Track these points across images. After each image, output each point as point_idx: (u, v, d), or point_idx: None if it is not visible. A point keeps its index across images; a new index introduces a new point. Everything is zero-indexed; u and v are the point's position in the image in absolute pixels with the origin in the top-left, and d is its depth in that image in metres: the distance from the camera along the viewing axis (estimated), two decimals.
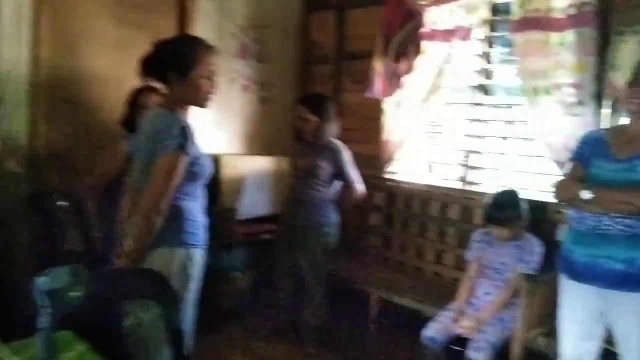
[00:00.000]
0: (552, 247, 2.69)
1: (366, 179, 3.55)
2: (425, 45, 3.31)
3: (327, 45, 4.09)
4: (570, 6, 2.75)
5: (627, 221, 1.84)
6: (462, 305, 2.56)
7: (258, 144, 4.00)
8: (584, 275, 1.97)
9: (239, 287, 3.44)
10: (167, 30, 3.24)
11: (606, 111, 2.72)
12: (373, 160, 3.65)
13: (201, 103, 1.96)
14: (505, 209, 2.50)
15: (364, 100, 3.78)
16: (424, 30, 3.29)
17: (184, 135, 1.79)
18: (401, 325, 3.06)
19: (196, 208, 1.95)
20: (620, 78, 2.71)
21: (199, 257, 1.94)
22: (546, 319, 2.54)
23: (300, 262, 3.04)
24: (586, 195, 1.88)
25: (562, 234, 2.77)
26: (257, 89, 4.02)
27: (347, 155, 3.03)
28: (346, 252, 3.51)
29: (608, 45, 2.68)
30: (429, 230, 3.44)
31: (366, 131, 3.77)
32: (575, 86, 2.77)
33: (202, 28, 3.56)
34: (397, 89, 3.39)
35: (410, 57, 3.23)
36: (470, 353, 2.36)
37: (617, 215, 1.85)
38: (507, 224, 2.49)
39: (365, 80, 3.81)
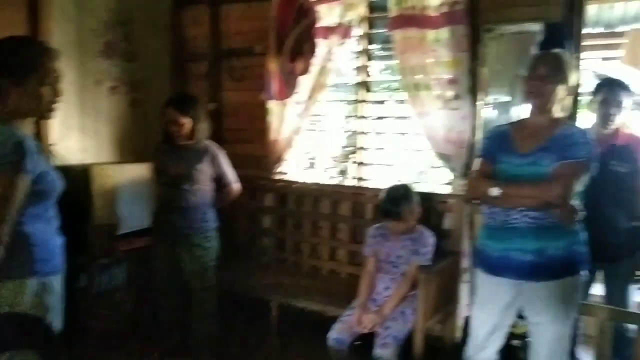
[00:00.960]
0: (440, 236, 2.82)
1: (255, 180, 3.45)
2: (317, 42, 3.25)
3: (202, 41, 3.87)
4: (443, 4, 2.87)
5: (534, 213, 1.92)
6: (364, 302, 2.56)
7: (131, 149, 3.66)
8: (497, 268, 2.03)
9: (121, 308, 3.12)
10: (15, 26, 2.82)
11: (480, 104, 2.89)
12: (261, 160, 3.55)
13: (42, 114, 1.73)
14: (399, 202, 2.54)
15: (246, 99, 3.66)
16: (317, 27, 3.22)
17: (20, 151, 1.55)
18: (304, 328, 2.99)
19: (47, 230, 1.70)
20: (490, 73, 2.92)
21: (55, 284, 1.71)
22: (441, 306, 2.65)
23: (185, 273, 2.87)
24: (494, 192, 1.93)
25: (448, 223, 2.93)
26: (127, 90, 3.68)
27: (223, 156, 2.96)
28: (239, 258, 3.37)
29: (478, 42, 2.85)
30: (322, 228, 3.42)
31: (251, 131, 3.65)
32: (452, 81, 2.90)
33: (59, 24, 3.16)
34: (294, 90, 3.28)
35: (306, 56, 3.14)
36: (377, 349, 2.37)
37: (525, 208, 1.92)
38: (401, 217, 2.53)
39: (245, 78, 3.69)
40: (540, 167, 1.92)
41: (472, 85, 2.88)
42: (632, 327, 2.67)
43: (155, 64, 3.84)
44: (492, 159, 2.07)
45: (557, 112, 2.02)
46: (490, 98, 2.95)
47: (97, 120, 3.45)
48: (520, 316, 2.14)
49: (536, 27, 2.76)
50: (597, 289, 2.98)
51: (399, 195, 2.58)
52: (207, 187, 2.89)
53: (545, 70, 1.97)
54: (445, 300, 2.70)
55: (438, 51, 2.91)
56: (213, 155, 2.89)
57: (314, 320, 2.79)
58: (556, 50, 2.14)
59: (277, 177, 3.61)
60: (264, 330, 3.08)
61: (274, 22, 3.24)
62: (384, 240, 2.67)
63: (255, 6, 3.53)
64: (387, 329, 2.43)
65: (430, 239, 2.59)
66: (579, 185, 1.93)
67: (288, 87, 3.18)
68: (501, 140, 2.08)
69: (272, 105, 3.48)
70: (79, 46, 3.31)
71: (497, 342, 2.16)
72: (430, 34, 2.93)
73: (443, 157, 3.00)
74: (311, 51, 3.13)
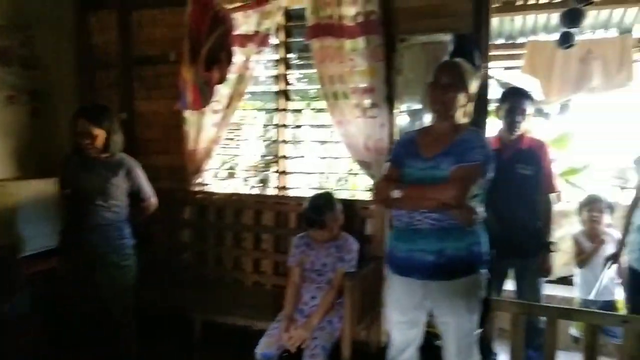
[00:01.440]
0: (363, 242, 2.86)
1: (172, 193, 3.31)
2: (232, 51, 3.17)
3: (111, 48, 3.67)
4: (358, 14, 2.92)
5: (435, 215, 1.98)
6: (290, 314, 2.53)
7: (33, 164, 3.39)
8: (404, 268, 2.08)
9: (29, 337, 2.85)
10: None
11: (397, 112, 2.97)
12: (178, 172, 3.41)
13: None
14: (322, 211, 2.54)
15: (160, 108, 3.53)
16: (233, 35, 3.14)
17: None
18: (230, 344, 2.89)
19: None
20: (404, 81, 3.01)
21: None
22: (367, 312, 2.67)
23: (102, 294, 2.70)
24: (396, 194, 1.99)
25: (370, 228, 2.98)
26: (27, 100, 3.41)
27: (139, 169, 2.82)
28: (158, 275, 3.20)
29: (394, 51, 2.92)
30: (245, 239, 3.34)
31: (166, 141, 3.51)
32: (369, 90, 2.96)
33: None
34: (210, 100, 3.17)
35: (222, 65, 3.04)
36: None
37: (427, 210, 1.99)
38: (325, 225, 2.53)
39: (159, 87, 3.55)
40: (440, 171, 2.00)
41: (388, 94, 2.95)
42: (542, 318, 2.85)
43: (59, 72, 3.59)
44: (400, 163, 2.13)
45: (459, 118, 2.11)
46: (404, 106, 3.05)
47: None
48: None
49: (447, 37, 2.89)
50: (510, 285, 3.16)
51: (322, 203, 2.58)
52: (123, 203, 2.74)
53: (446, 78, 2.06)
54: (371, 306, 2.73)
55: (355, 60, 2.96)
56: (128, 168, 2.74)
57: (240, 335, 2.71)
58: (456, 59, 2.23)
59: (196, 188, 3.50)
60: (188, 349, 2.94)
61: (188, 29, 3.12)
62: (308, 249, 2.65)
63: (168, 12, 3.41)
64: (314, 340, 2.41)
65: (354, 245, 2.61)
66: (476, 187, 2.00)
67: (203, 97, 3.06)
68: (408, 145, 2.15)
69: (189, 114, 3.36)
70: None
71: (415, 341, 2.21)
72: (347, 43, 2.97)
73: (363, 164, 3.04)
74: (227, 60, 3.04)
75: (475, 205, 2.03)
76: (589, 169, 4.87)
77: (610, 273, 3.10)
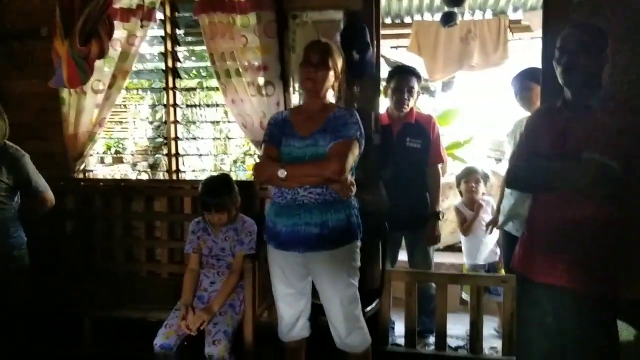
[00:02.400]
0: (262, 222, 2.82)
1: (52, 182, 3.02)
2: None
3: None
4: None
5: (318, 190, 2.06)
6: (189, 302, 2.44)
7: None
8: (287, 243, 2.12)
9: None
10: None
11: (292, 90, 2.94)
12: (57, 158, 3.12)
13: None
14: (219, 193, 2.46)
15: (33, 89, 3.18)
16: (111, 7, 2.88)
17: None
18: (126, 339, 2.72)
19: None
20: (296, 58, 2.98)
21: None
22: (268, 293, 2.65)
23: None
24: (282, 174, 2.01)
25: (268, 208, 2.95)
26: None
27: (27, 160, 2.50)
28: (43, 271, 2.92)
29: (286, 28, 2.88)
30: (136, 228, 3.15)
31: (42, 125, 3.20)
32: (262, 67, 2.90)
33: None
34: (90, 76, 2.90)
35: (102, 39, 2.78)
36: (207, 348, 2.28)
37: (309, 186, 2.05)
38: (223, 208, 2.46)
39: (30, 64, 3.20)
40: (319, 148, 2.07)
41: (282, 72, 2.91)
42: (433, 285, 3.03)
43: None
44: (277, 142, 2.16)
45: (329, 96, 2.19)
46: (297, 85, 3.03)
47: None
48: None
49: (338, 15, 2.90)
50: (403, 255, 3.31)
51: (218, 186, 2.50)
52: (8, 199, 2.44)
53: (316, 57, 2.10)
54: (271, 286, 2.71)
55: (247, 37, 2.88)
56: (12, 159, 2.43)
57: (136, 329, 2.56)
58: (324, 39, 2.28)
59: (79, 176, 3.23)
60: (78, 348, 2.74)
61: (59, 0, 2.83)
62: (205, 234, 2.57)
63: None
64: (216, 325, 2.35)
65: (252, 227, 2.57)
66: (353, 161, 2.09)
67: (82, 73, 2.79)
68: (282, 125, 2.19)
69: (66, 95, 3.08)
70: None
71: (305, 312, 2.26)
72: (238, 19, 2.88)
73: (258, 144, 2.98)
74: (107, 33, 2.80)
75: (351, 178, 2.13)
76: (471, 142, 5.24)
77: (491, 238, 3.37)
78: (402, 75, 3.05)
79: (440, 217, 3.14)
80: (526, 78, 2.98)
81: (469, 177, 3.46)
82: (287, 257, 2.15)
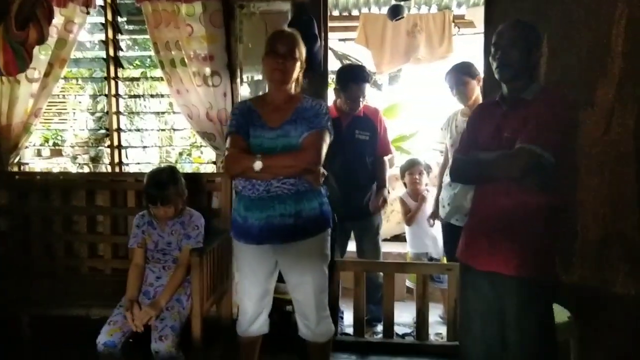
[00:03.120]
0: (210, 216, 2.78)
1: None
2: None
3: None
4: None
5: (291, 180, 2.04)
6: (134, 297, 2.37)
7: None
8: (260, 236, 2.08)
9: None
10: None
11: (239, 81, 2.90)
12: None
13: None
14: (164, 186, 2.39)
15: None
16: None
17: None
18: (67, 338, 2.62)
19: None
20: (245, 51, 2.95)
21: None
22: (216, 287, 2.63)
23: None
24: (258, 165, 1.97)
25: (216, 202, 2.91)
26: None
27: None
28: None
29: (233, 18, 2.84)
30: (77, 223, 3.02)
31: None
32: (208, 57, 2.84)
33: None
34: (29, 63, 2.74)
35: (39, 23, 2.63)
36: (154, 344, 2.22)
37: (283, 177, 2.02)
38: (169, 201, 2.40)
39: None
40: (291, 139, 2.06)
41: (229, 62, 2.87)
42: (381, 274, 3.09)
43: None
44: (245, 133, 2.11)
45: (293, 87, 2.18)
46: (246, 76, 3.00)
47: None
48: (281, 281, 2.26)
49: (286, 6, 2.88)
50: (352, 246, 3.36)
51: (164, 178, 2.43)
52: None
53: (284, 47, 2.08)
54: (220, 280, 2.69)
55: (192, 26, 2.82)
56: None
57: (77, 327, 2.47)
58: (289, 29, 2.26)
59: (13, 169, 3.07)
60: (16, 349, 2.61)
61: None
62: (151, 228, 2.50)
63: None
64: (162, 321, 2.29)
65: (200, 220, 2.52)
66: (325, 150, 2.10)
67: (20, 60, 2.64)
68: (248, 115, 2.15)
69: None
70: None
71: (266, 309, 2.27)
72: (183, 7, 2.82)
73: (205, 135, 2.95)
74: (46, 17, 2.65)
75: (321, 167, 2.12)
76: (417, 135, 5.35)
77: (434, 228, 3.46)
78: (357, 84, 3.05)
79: (387, 192, 3.21)
80: (460, 72, 3.06)
81: (413, 169, 3.54)
82: (258, 252, 2.12)
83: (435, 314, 3.43)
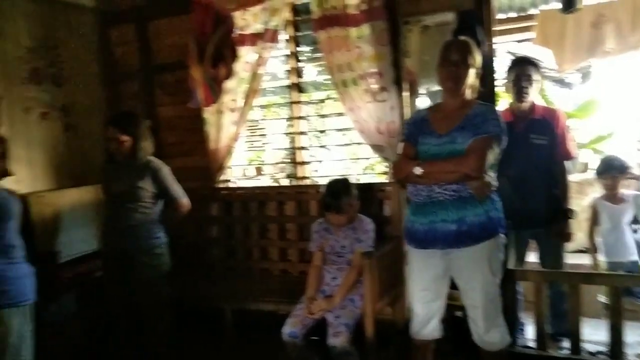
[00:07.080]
0: (382, 223, 2.93)
1: (199, 192, 3.46)
2: (238, 49, 3.30)
3: (132, 59, 3.86)
4: (362, 2, 2.99)
5: (454, 187, 2.07)
6: (313, 294, 2.63)
7: (68, 175, 3.59)
8: (425, 241, 2.16)
9: (71, 339, 3.04)
10: None
11: (406, 94, 3.02)
12: (202, 171, 3.55)
13: None
14: (338, 196, 2.62)
15: (182, 112, 3.67)
16: (234, 33, 3.27)
17: None
18: (260, 329, 3.02)
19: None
20: (411, 63, 3.05)
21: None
22: (388, 290, 2.75)
23: (135, 292, 2.80)
24: (418, 170, 2.07)
25: (388, 209, 3.04)
26: (59, 115, 3.61)
27: (166, 171, 2.89)
28: (190, 270, 3.36)
29: (399, 35, 2.98)
30: (270, 230, 3.46)
31: (190, 143, 3.66)
32: (377, 74, 3.02)
33: None
34: (220, 96, 3.32)
35: (227, 62, 3.18)
36: (330, 339, 2.44)
37: (446, 183, 2.07)
38: (342, 209, 2.62)
39: (179, 91, 3.69)
40: (457, 145, 2.08)
41: (396, 77, 3.01)
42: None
43: (85, 87, 3.77)
44: (414, 141, 2.20)
45: (468, 94, 2.18)
46: (423, 88, 3.08)
47: (29, 149, 3.37)
48: (455, 287, 2.26)
49: (450, 16, 2.92)
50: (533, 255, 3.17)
51: (338, 189, 2.66)
52: (152, 204, 2.84)
53: (456, 55, 2.13)
54: (392, 283, 2.80)
55: (362, 47, 3.02)
56: (154, 170, 2.83)
57: (268, 320, 2.83)
58: (462, 37, 2.28)
59: (221, 185, 3.64)
60: (220, 336, 3.10)
61: (193, 32, 3.28)
62: (327, 234, 2.75)
63: (178, 20, 3.55)
64: (337, 318, 2.51)
65: (369, 225, 2.69)
66: (493, 157, 2.07)
67: (213, 93, 3.21)
68: (421, 124, 2.23)
69: (208, 115, 3.50)
70: (2, 75, 3.23)
71: (438, 313, 2.29)
72: (353, 31, 3.04)
73: (376, 147, 3.11)
74: (232, 56, 3.17)
75: (490, 176, 2.10)
76: (615, 135, 4.78)
77: (634, 234, 3.07)
78: (519, 65, 2.95)
79: (571, 215, 2.96)
80: None
81: (608, 170, 3.19)
82: (426, 256, 2.19)
83: (638, 333, 3.01)
